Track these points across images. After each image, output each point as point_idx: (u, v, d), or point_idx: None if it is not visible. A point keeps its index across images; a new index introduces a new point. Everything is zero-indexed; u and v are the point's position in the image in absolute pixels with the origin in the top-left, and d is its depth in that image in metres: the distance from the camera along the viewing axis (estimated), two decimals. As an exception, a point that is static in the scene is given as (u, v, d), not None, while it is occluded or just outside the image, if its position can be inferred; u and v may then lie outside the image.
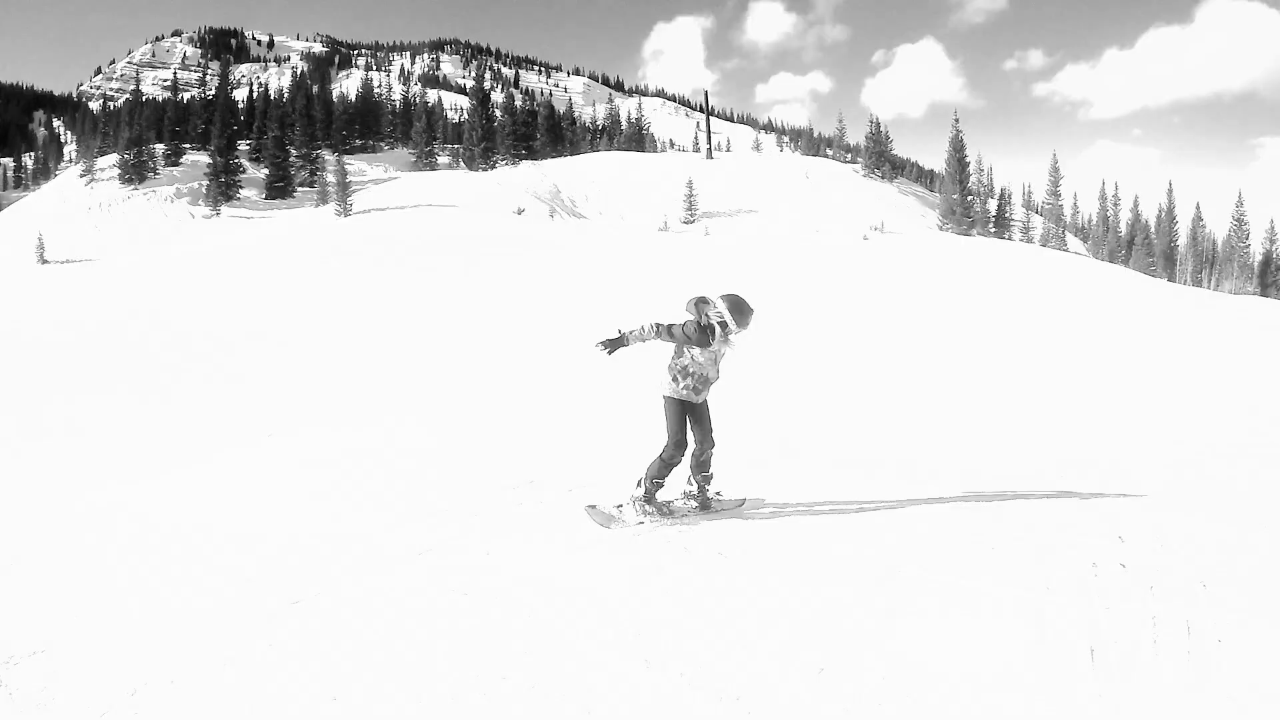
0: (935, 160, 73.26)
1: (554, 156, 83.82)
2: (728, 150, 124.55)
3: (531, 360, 16.99)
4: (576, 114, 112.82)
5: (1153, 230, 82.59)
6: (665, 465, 5.04)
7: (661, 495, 5.22)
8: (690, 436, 5.11)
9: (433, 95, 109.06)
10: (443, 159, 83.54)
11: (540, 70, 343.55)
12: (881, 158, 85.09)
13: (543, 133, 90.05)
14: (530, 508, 5.45)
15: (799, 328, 24.63)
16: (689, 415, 5.11)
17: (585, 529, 4.89)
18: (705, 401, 5.22)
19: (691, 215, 63.34)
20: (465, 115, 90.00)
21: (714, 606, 3.73)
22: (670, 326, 4.93)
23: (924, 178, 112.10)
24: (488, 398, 13.19)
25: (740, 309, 4.85)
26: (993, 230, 74.29)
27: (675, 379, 5.06)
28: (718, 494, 5.44)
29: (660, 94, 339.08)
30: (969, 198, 72.63)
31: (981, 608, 3.89)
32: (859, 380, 17.19)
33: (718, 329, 4.86)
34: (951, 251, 54.96)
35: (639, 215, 61.74)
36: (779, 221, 63.23)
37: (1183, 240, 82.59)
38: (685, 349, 4.99)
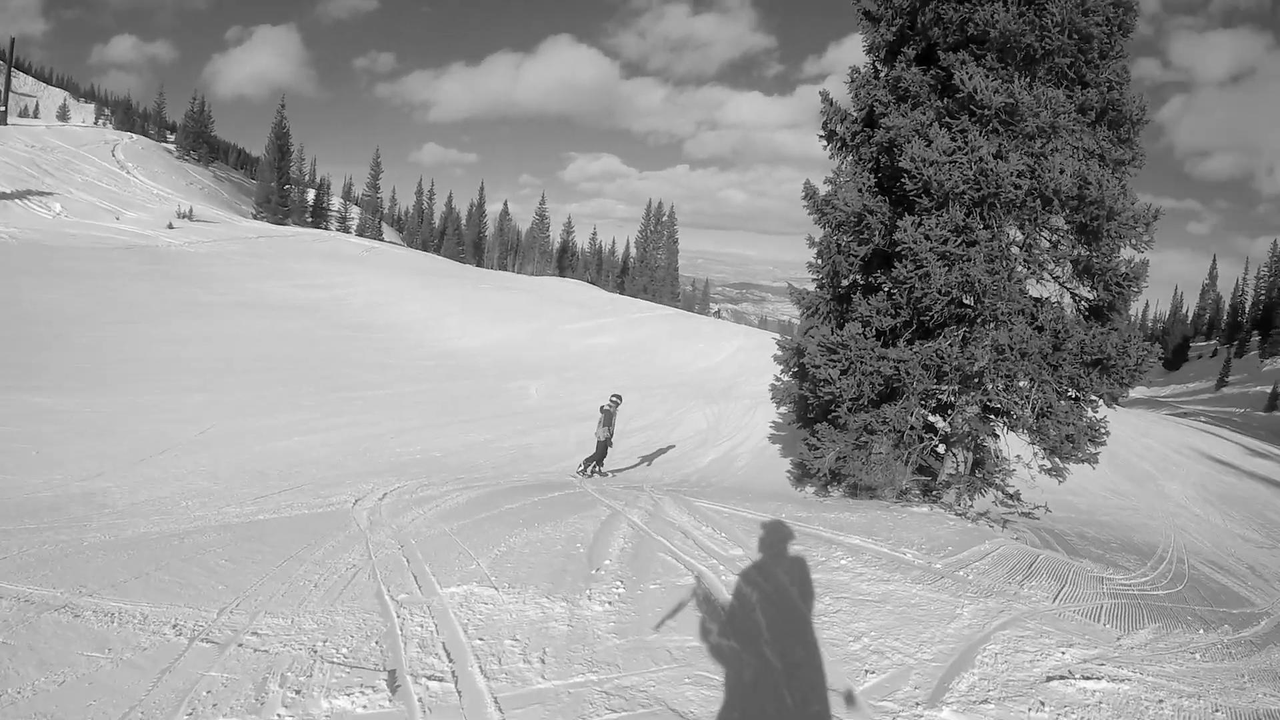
0: (264, 146, 71.51)
1: None
2: (35, 116, 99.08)
3: None
4: None
5: (464, 223, 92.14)
6: (588, 462, 13.02)
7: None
8: (602, 453, 13.12)
9: None
10: None
11: None
12: (200, 139, 78.56)
13: None
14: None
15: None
16: (606, 446, 13.11)
17: None
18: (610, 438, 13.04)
19: (-37, 196, 47.94)
20: None
21: None
22: (604, 421, 13.13)
23: (249, 164, 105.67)
24: None
25: (618, 400, 13.62)
26: (309, 219, 73.51)
27: (605, 429, 13.05)
28: (607, 472, 13.45)
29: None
30: (286, 186, 70.71)
31: None
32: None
33: (613, 409, 13.31)
34: (259, 239, 52.28)
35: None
36: (77, 205, 52.41)
37: (491, 231, 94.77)
38: (611, 422, 13.19)
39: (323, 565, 5.91)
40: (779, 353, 13.05)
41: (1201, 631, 5.81)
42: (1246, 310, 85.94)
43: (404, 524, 7.33)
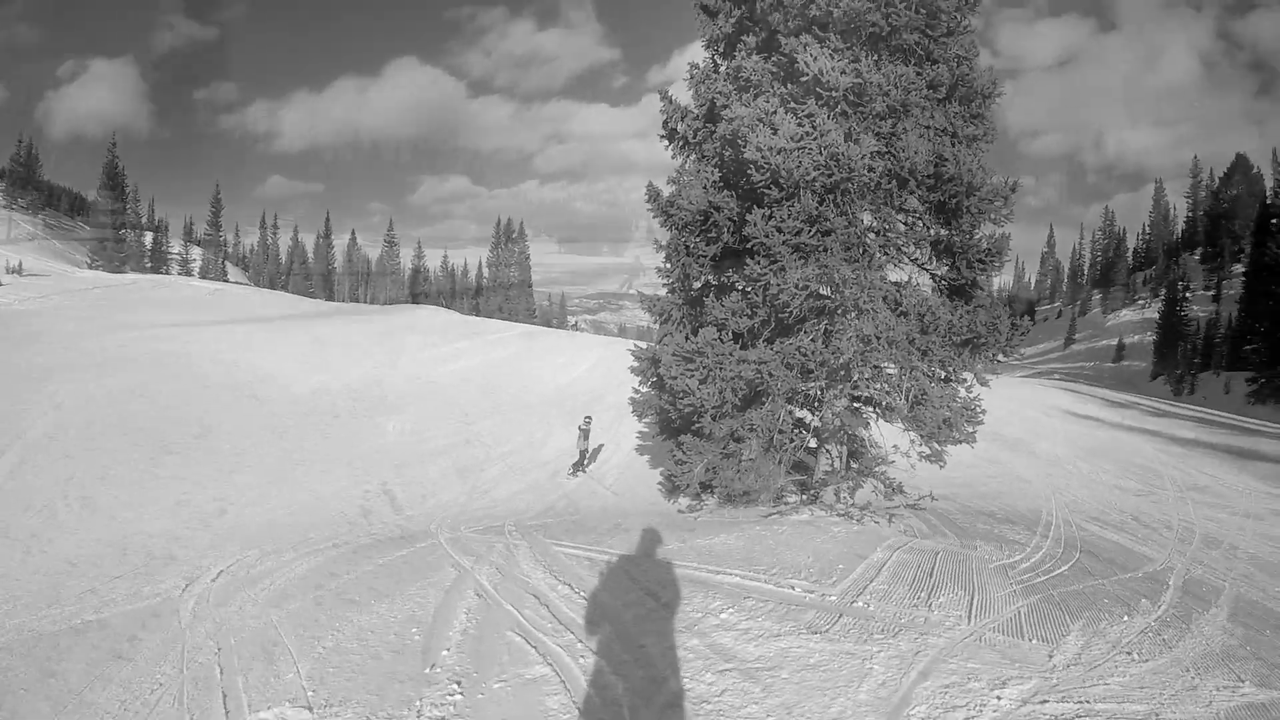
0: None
1: None
2: None
3: None
4: None
5: (310, 255, 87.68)
6: (575, 466, 16.39)
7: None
8: (583, 457, 16.54)
9: None
10: None
11: None
12: (28, 184, 71.75)
13: None
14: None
15: None
16: (585, 453, 16.59)
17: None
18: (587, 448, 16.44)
19: None
20: None
21: None
22: (583, 437, 16.63)
23: (83, 209, 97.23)
24: None
25: (590, 419, 17.24)
26: (148, 265, 68.46)
27: (584, 441, 16.54)
28: (587, 469, 16.59)
29: None
30: (123, 231, 65.59)
31: None
32: None
33: (588, 427, 16.79)
34: (94, 290, 48.12)
35: None
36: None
37: (340, 262, 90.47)
38: (587, 437, 16.62)
39: (128, 689, 4.83)
40: (635, 363, 12.28)
41: (1125, 618, 5.51)
42: (1085, 272, 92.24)
43: (229, 615, 6.19)
